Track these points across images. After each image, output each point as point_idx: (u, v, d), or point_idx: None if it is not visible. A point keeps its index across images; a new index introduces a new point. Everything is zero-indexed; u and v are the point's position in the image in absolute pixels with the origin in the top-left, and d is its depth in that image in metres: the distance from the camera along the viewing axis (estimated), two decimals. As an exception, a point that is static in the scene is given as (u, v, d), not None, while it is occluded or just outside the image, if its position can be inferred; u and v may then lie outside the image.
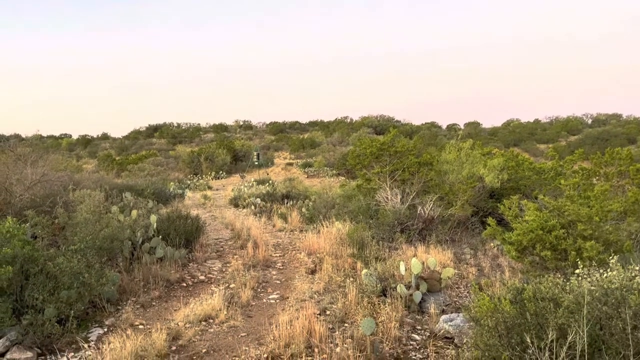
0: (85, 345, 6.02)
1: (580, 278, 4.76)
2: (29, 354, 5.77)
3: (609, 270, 4.69)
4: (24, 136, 53.35)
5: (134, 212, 11.06)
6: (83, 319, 6.88)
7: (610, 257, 4.83)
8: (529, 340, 3.92)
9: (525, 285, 4.88)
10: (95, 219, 9.24)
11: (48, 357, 5.82)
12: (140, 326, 6.83)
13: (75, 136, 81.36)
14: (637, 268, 4.59)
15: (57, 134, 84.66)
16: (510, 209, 7.94)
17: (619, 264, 4.66)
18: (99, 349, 5.93)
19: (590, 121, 78.96)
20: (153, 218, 10.53)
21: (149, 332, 6.34)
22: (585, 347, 3.77)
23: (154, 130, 79.22)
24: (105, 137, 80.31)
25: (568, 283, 4.71)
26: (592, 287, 4.41)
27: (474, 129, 72.98)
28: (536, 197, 8.92)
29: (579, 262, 5.39)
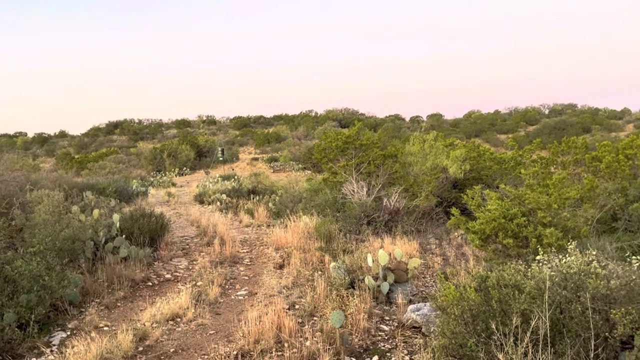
0: (48, 350, 5.85)
1: (540, 264, 4.91)
2: (-12, 362, 5.57)
3: (567, 255, 4.85)
4: (-25, 135, 51.36)
5: (96, 212, 10.77)
6: (45, 322, 6.66)
7: (569, 243, 4.99)
8: (494, 326, 4.02)
9: (489, 273, 5.00)
10: (55, 220, 8.95)
11: (8, 363, 5.62)
12: (105, 328, 6.68)
13: (30, 134, 78.60)
14: (594, 253, 4.76)
15: (11, 132, 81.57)
16: (473, 198, 8.10)
17: (577, 250, 4.83)
18: (62, 353, 5.76)
19: (547, 111, 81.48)
20: (116, 217, 10.29)
21: (115, 333, 6.19)
22: (548, 331, 3.89)
23: (114, 127, 77.34)
24: (63, 134, 77.88)
25: (529, 269, 4.85)
26: (552, 273, 4.55)
27: (436, 120, 74.27)
28: (497, 186, 9.14)
29: (540, 249, 5.55)
